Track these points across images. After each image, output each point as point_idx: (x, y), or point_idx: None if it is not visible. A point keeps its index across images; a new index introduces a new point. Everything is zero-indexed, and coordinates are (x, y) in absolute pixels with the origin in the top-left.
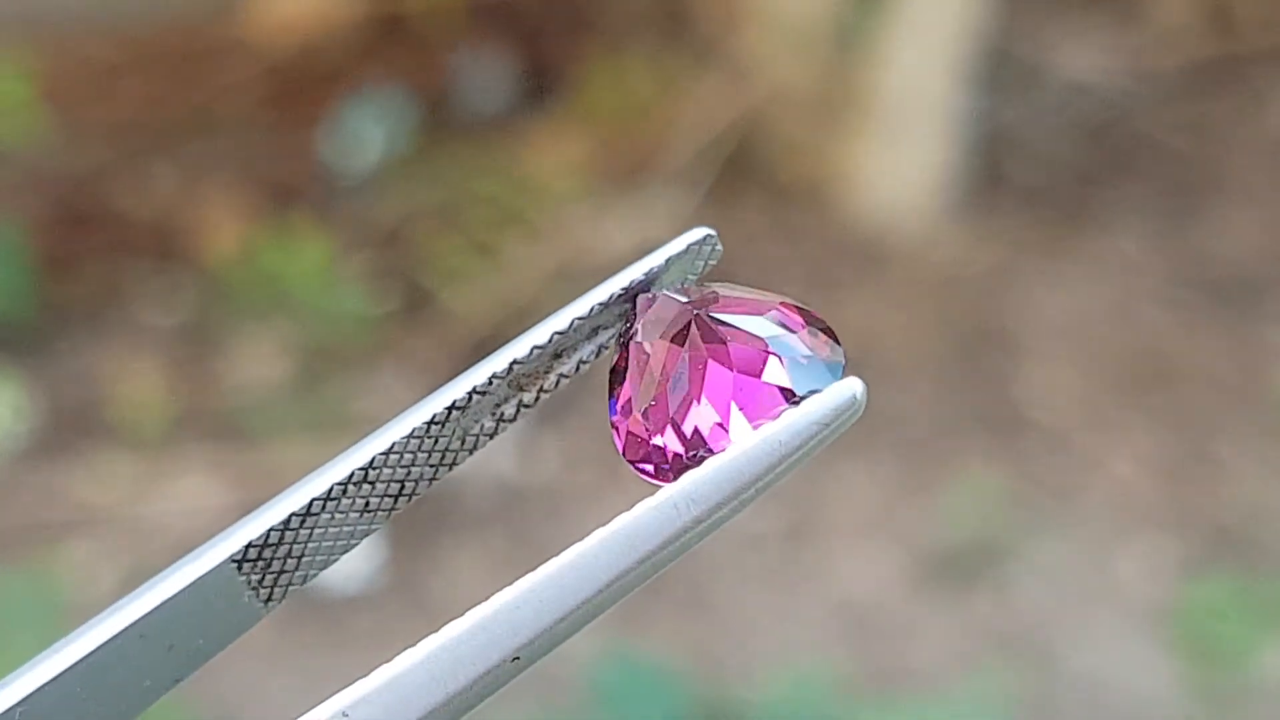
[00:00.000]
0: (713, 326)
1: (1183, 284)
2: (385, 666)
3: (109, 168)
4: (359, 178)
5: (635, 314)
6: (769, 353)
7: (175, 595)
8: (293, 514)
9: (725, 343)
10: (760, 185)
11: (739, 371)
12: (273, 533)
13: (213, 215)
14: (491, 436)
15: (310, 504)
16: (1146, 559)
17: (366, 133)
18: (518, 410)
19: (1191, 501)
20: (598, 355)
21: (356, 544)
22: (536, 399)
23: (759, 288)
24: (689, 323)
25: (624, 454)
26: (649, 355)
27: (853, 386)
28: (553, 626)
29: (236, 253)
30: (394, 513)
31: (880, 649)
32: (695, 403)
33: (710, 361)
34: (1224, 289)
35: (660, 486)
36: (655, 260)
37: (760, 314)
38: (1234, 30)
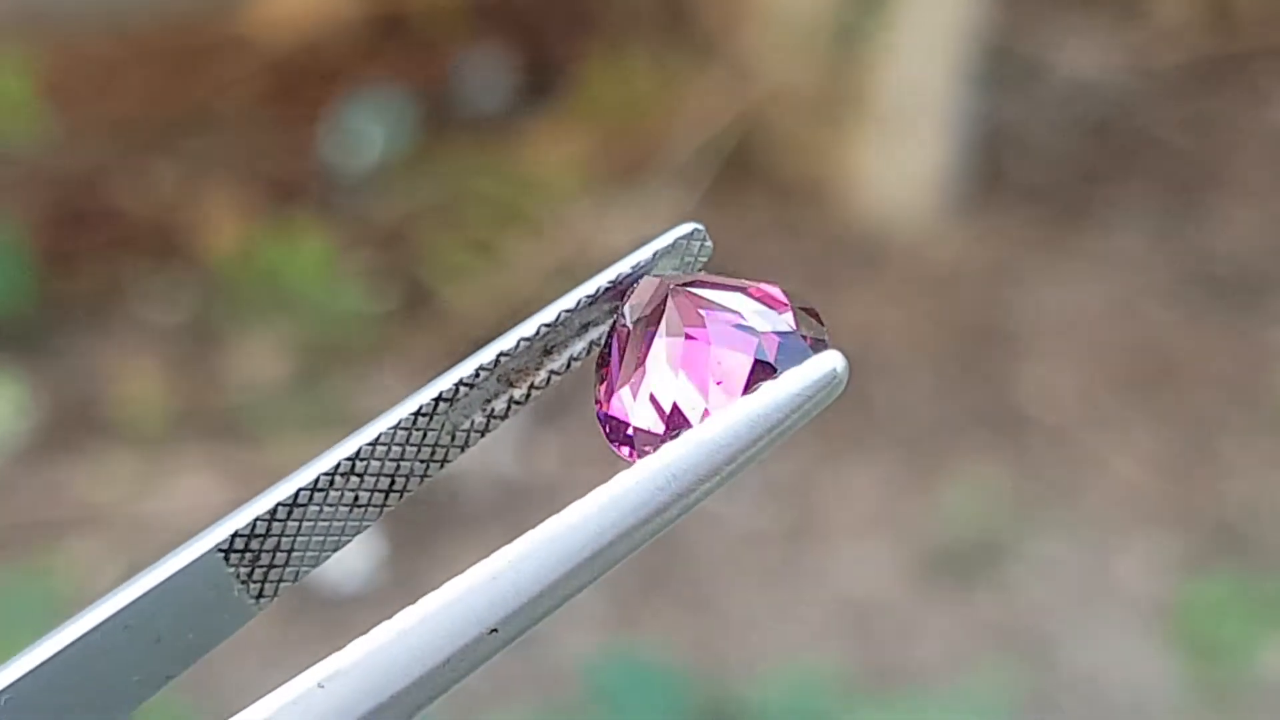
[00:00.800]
0: (691, 302)
1: (1184, 281)
2: (362, 639)
3: (109, 165)
4: (359, 175)
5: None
6: (748, 327)
7: (160, 584)
8: (279, 503)
9: (703, 317)
10: (761, 183)
11: (717, 345)
12: (259, 523)
13: (213, 213)
14: (482, 433)
15: (297, 494)
16: (1147, 556)
17: (367, 130)
18: (508, 407)
19: (1192, 499)
20: (589, 352)
21: (348, 540)
22: (527, 396)
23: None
24: (666, 298)
25: (607, 436)
26: (629, 334)
27: (833, 360)
28: (533, 600)
29: (237, 250)
30: (385, 509)
31: (881, 647)
32: (674, 377)
33: (688, 336)
34: (1225, 286)
35: (629, 459)
36: (643, 254)
37: (740, 291)
38: (1235, 27)
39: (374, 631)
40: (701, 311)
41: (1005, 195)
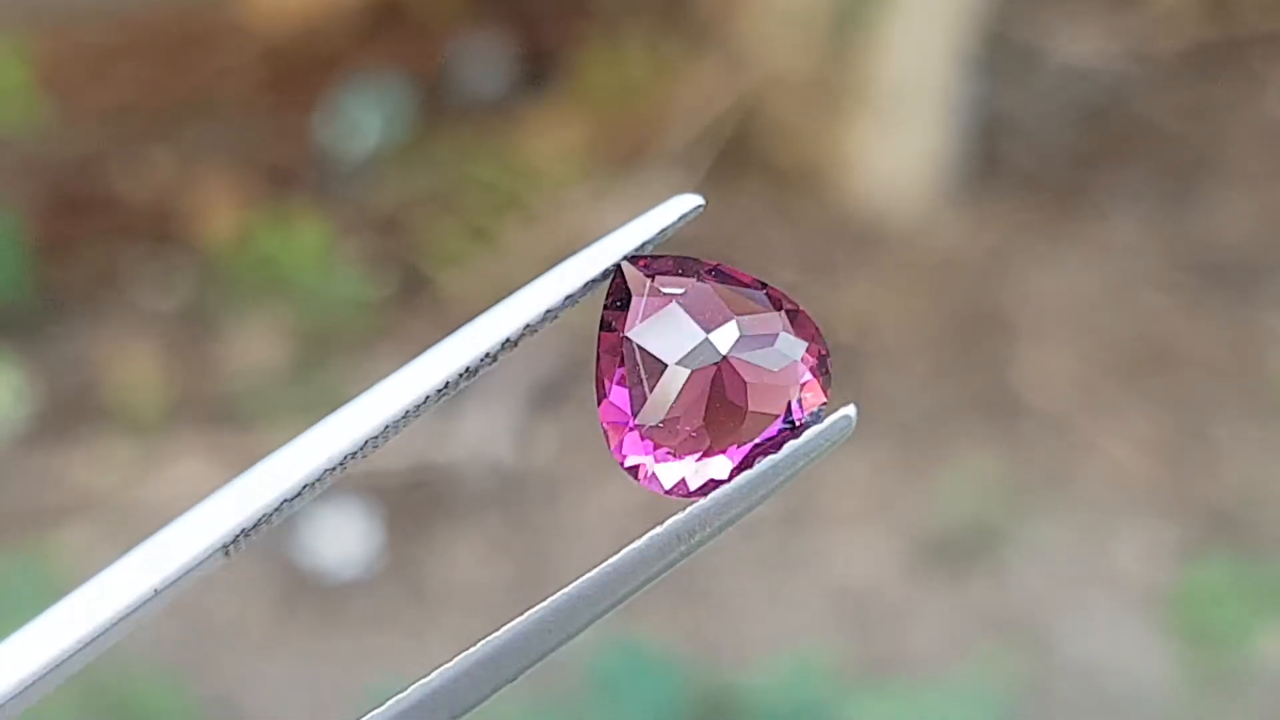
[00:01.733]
0: (737, 370)
1: (1180, 268)
2: (397, 698)
3: (106, 152)
4: (356, 162)
5: (625, 286)
6: (779, 388)
7: (165, 585)
8: (284, 500)
9: (741, 377)
10: (758, 169)
11: (754, 411)
12: (263, 519)
13: (210, 199)
14: (453, 391)
15: (301, 491)
16: (1143, 543)
17: (364, 117)
18: (481, 363)
19: (1189, 485)
20: (566, 305)
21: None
22: (501, 352)
23: (751, 271)
24: (714, 366)
25: (617, 455)
26: (657, 376)
27: (849, 415)
28: (553, 650)
29: (234, 237)
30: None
31: (876, 634)
32: (709, 443)
33: (730, 403)
34: (1222, 273)
35: (648, 490)
36: (647, 231)
37: (772, 344)
38: (1232, 13)
39: (409, 689)
40: (746, 378)
41: (1002, 182)
